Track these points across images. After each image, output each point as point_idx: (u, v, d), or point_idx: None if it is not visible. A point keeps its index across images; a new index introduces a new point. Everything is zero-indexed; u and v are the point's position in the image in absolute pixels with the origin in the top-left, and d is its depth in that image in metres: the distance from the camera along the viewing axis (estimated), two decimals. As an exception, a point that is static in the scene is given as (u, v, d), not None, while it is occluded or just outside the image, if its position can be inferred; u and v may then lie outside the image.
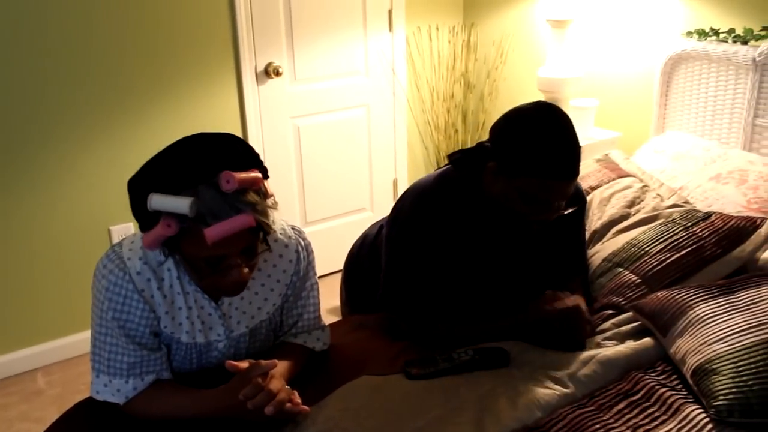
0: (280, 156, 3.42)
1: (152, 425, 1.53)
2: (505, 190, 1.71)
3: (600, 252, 2.12)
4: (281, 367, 1.55)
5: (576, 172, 1.67)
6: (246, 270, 1.43)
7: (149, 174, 1.36)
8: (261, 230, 1.41)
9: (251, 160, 1.41)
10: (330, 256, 3.66)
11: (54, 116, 2.81)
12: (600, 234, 2.24)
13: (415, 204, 1.83)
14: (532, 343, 1.78)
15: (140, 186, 1.36)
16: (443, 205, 1.81)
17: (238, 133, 3.26)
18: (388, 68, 3.63)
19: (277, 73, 3.26)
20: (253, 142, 3.30)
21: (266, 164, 3.40)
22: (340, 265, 3.64)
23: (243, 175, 1.33)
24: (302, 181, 3.53)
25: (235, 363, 1.46)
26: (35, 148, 2.81)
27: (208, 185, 1.32)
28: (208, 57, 3.09)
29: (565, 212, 1.74)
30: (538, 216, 1.71)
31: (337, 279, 3.59)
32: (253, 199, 1.35)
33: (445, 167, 1.89)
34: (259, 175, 1.38)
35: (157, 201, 1.31)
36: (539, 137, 1.64)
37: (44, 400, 2.81)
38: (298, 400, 1.50)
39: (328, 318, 3.15)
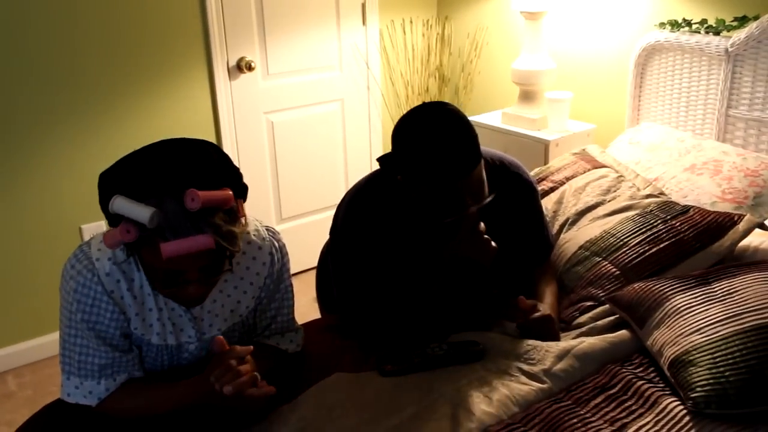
0: (254, 152, 3.39)
1: (122, 426, 1.50)
2: (416, 201, 1.69)
3: (574, 239, 2.12)
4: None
5: (473, 163, 1.60)
6: (203, 287, 1.40)
7: (120, 173, 1.33)
8: (224, 252, 1.37)
9: (228, 176, 1.36)
10: (306, 253, 3.62)
11: (23, 113, 2.76)
12: (573, 221, 2.23)
13: (347, 208, 1.85)
14: (452, 278, 1.80)
15: (109, 183, 1.33)
16: (375, 204, 1.81)
17: (211, 129, 3.22)
18: (362, 62, 3.60)
19: (250, 68, 3.22)
20: (226, 138, 3.26)
21: (240, 160, 3.38)
22: (317, 262, 3.63)
23: (210, 193, 1.28)
24: (276, 178, 3.49)
25: (223, 339, 1.45)
26: (4, 145, 2.75)
27: (174, 198, 1.28)
28: (178, 52, 3.04)
29: (485, 201, 1.68)
30: (459, 215, 1.66)
31: (314, 276, 3.57)
32: (218, 221, 1.30)
33: (375, 172, 1.89)
34: (230, 194, 1.33)
35: (119, 205, 1.27)
36: (423, 148, 1.60)
37: (15, 402, 2.76)
38: (264, 384, 1.47)
39: (308, 312, 3.12)
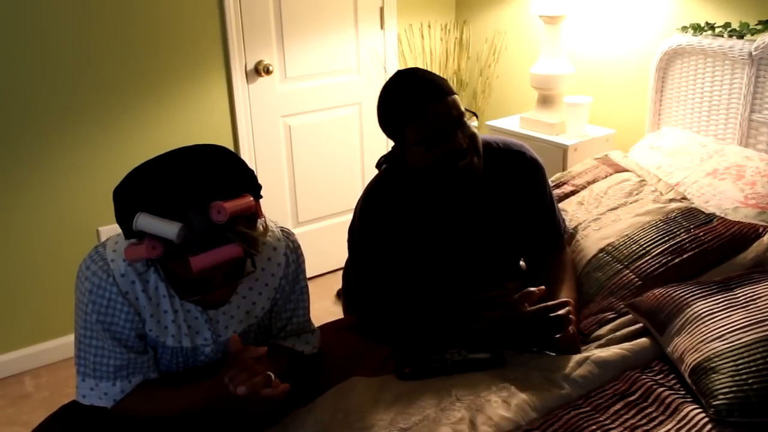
0: (271, 155, 3.39)
1: (138, 427, 1.50)
2: (414, 156, 1.75)
3: (595, 239, 2.09)
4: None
5: (443, 89, 1.72)
6: (228, 291, 1.41)
7: (137, 189, 1.31)
8: (248, 256, 1.37)
9: (244, 180, 1.36)
10: (323, 257, 3.62)
11: (41, 115, 2.77)
12: (595, 219, 2.20)
13: (361, 211, 1.86)
14: (507, 347, 1.75)
15: (126, 200, 1.32)
16: (388, 202, 1.83)
17: (228, 132, 3.22)
18: (379, 66, 3.59)
19: (268, 71, 3.22)
20: (243, 141, 3.26)
21: (257, 164, 3.38)
22: (333, 266, 3.64)
23: (234, 203, 1.28)
24: (293, 181, 3.49)
25: (238, 338, 1.46)
26: (22, 147, 2.77)
27: (198, 211, 1.27)
28: (197, 55, 3.05)
29: (466, 120, 1.76)
30: (453, 147, 1.71)
31: (331, 279, 3.57)
32: (242, 229, 1.30)
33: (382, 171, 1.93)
34: (251, 199, 1.33)
35: (144, 222, 1.27)
36: (389, 91, 1.77)
37: (32, 403, 2.77)
38: (278, 382, 1.46)
39: (325, 317, 3.11)
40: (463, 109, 1.75)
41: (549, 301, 1.75)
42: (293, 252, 1.60)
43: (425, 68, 3.57)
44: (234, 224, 1.29)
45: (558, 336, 1.70)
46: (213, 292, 1.38)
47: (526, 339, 1.74)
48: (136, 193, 1.31)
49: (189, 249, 1.27)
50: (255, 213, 1.35)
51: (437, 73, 1.82)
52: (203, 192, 1.28)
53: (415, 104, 1.71)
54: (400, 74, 1.78)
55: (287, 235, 1.61)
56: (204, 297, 1.39)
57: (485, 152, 1.80)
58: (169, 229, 1.24)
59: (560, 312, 1.69)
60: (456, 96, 1.75)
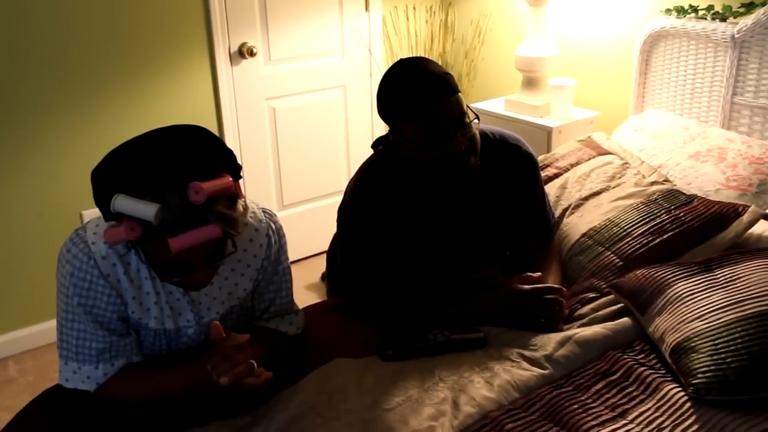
0: (256, 138, 3.37)
1: (121, 410, 1.50)
2: (410, 152, 1.73)
3: (578, 224, 2.10)
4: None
5: (446, 89, 1.67)
6: (209, 272, 1.41)
7: (114, 170, 1.30)
8: (228, 237, 1.37)
9: (223, 160, 1.35)
10: (307, 240, 3.62)
11: (24, 97, 2.74)
12: (577, 205, 2.21)
13: (353, 191, 1.86)
14: (500, 326, 1.78)
15: (104, 181, 1.31)
16: (381, 184, 1.83)
17: (212, 115, 3.20)
18: (364, 49, 3.58)
19: (252, 54, 3.20)
20: (228, 124, 3.24)
21: (241, 147, 3.35)
22: (318, 249, 3.64)
23: (212, 184, 1.27)
24: (278, 164, 3.48)
25: (219, 325, 1.46)
26: (3, 131, 2.74)
27: (176, 191, 1.26)
28: (180, 37, 3.02)
29: (468, 124, 1.71)
30: (451, 149, 1.69)
31: (316, 262, 3.57)
32: (221, 209, 1.29)
33: (377, 151, 1.92)
34: (230, 180, 1.32)
35: (122, 204, 1.26)
36: (391, 81, 1.72)
37: (16, 388, 2.76)
38: (261, 371, 1.47)
39: (308, 299, 3.12)
40: (465, 107, 1.71)
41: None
42: (275, 233, 1.60)
43: (412, 50, 3.56)
44: (212, 204, 1.28)
45: (546, 322, 1.75)
46: (194, 273, 1.38)
47: (515, 316, 1.77)
48: (114, 174, 1.29)
49: (167, 230, 1.26)
50: (234, 193, 1.34)
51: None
52: (181, 172, 1.27)
53: (417, 102, 1.66)
54: (404, 64, 1.72)
55: (269, 216, 1.61)
56: (185, 278, 1.39)
57: (481, 142, 1.79)
58: (147, 210, 1.24)
59: (558, 296, 1.76)
60: (460, 94, 1.70)
